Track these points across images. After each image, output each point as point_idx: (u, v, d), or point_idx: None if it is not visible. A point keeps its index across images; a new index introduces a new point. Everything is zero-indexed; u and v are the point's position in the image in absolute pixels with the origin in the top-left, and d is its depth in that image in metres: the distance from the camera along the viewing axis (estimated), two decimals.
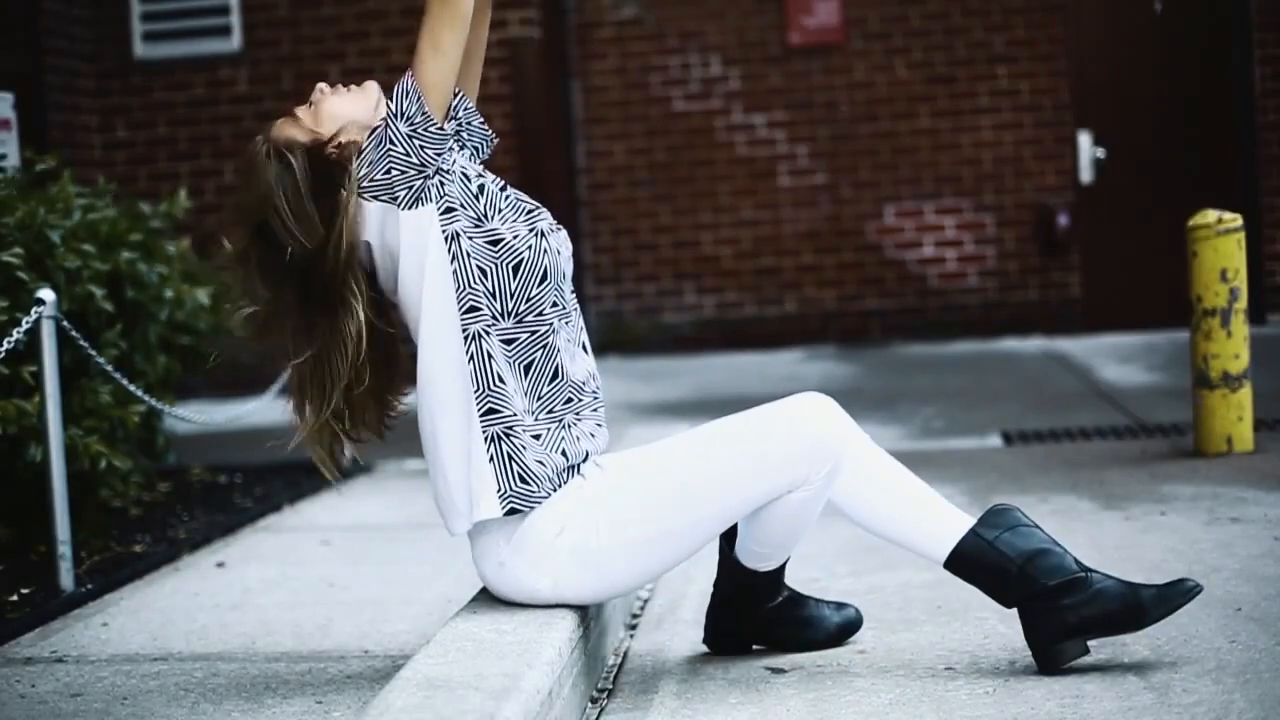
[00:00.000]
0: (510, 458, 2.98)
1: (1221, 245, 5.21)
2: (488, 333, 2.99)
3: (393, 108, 2.97)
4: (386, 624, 3.74)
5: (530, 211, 3.07)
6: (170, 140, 9.06)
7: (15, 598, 4.01)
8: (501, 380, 2.99)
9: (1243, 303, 5.25)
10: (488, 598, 3.16)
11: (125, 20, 8.96)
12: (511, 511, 2.98)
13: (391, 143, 2.95)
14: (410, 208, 2.97)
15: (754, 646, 3.31)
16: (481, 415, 2.99)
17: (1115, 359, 8.39)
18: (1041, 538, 3.02)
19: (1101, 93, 9.71)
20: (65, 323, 4.13)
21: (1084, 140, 9.70)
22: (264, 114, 8.96)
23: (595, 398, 3.14)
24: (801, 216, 9.84)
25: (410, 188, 2.97)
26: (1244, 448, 5.27)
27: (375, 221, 3.00)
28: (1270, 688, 2.84)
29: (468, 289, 2.99)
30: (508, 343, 3.01)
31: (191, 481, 5.77)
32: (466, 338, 2.99)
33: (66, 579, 4.04)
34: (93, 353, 4.31)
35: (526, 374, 3.02)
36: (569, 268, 3.12)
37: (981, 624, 3.34)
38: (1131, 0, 9.67)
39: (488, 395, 2.99)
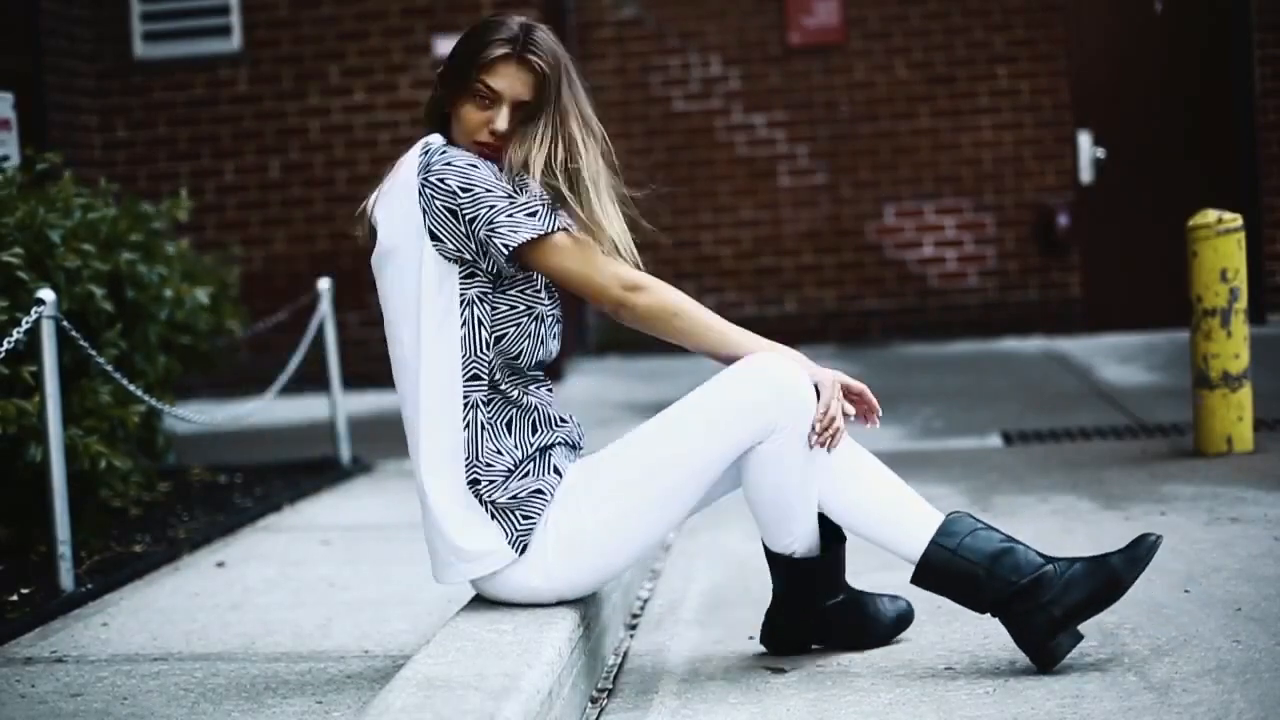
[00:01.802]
0: (508, 511, 3.01)
1: (1221, 245, 5.21)
2: (483, 402, 3.02)
3: (513, 197, 2.96)
4: (386, 624, 3.74)
5: (536, 292, 3.07)
6: (170, 140, 9.06)
7: (15, 598, 4.01)
8: (496, 451, 3.01)
9: (1243, 303, 5.25)
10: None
11: (125, 20, 8.96)
12: (525, 548, 3.01)
13: (478, 203, 2.95)
14: (460, 245, 2.98)
15: (813, 646, 3.30)
16: (470, 485, 3.03)
17: (1115, 359, 8.39)
18: (999, 538, 3.05)
19: (1101, 93, 9.72)
20: (65, 323, 4.12)
21: (1084, 140, 9.70)
22: (264, 114, 8.98)
23: (576, 430, 3.17)
24: (801, 216, 9.84)
25: (444, 241, 2.97)
26: (1244, 448, 5.27)
27: (413, 224, 3.00)
28: (1270, 688, 2.84)
29: (474, 356, 3.00)
30: (486, 404, 3.03)
31: (191, 481, 5.76)
32: (466, 406, 3.02)
33: (66, 579, 4.04)
34: (93, 353, 4.31)
35: (509, 431, 3.05)
36: (551, 354, 3.13)
37: (981, 624, 3.34)
38: (1131, 0, 9.67)
39: (474, 466, 3.02)
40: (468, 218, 2.94)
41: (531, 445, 3.05)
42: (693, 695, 3.06)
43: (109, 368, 4.44)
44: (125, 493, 5.00)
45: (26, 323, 3.94)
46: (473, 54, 3.03)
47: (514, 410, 3.05)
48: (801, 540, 3.15)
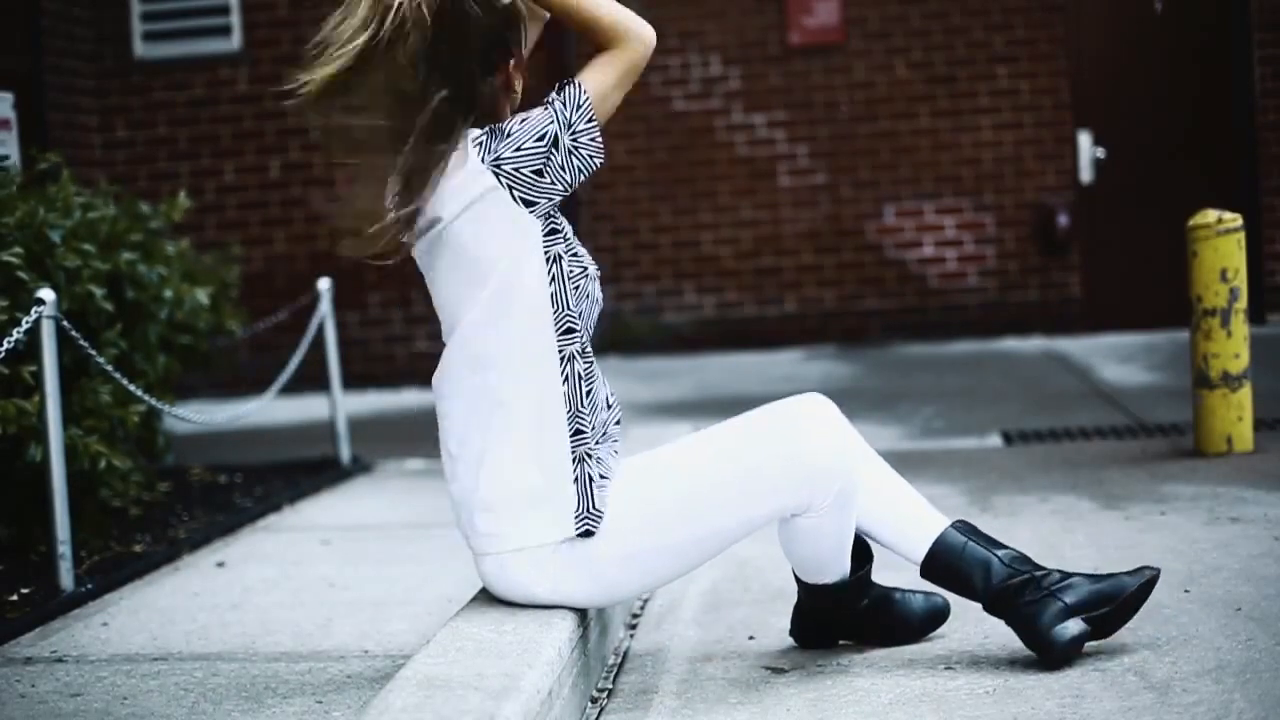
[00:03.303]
0: (590, 479, 2.98)
1: (1221, 245, 5.21)
2: (578, 355, 3.00)
3: (565, 115, 2.92)
4: (386, 624, 3.74)
5: (577, 257, 3.05)
6: (170, 140, 9.06)
7: (15, 598, 4.01)
8: (584, 401, 3.00)
9: (1243, 303, 5.25)
10: (488, 598, 3.16)
11: (125, 20, 8.97)
12: (586, 533, 2.98)
13: (553, 150, 2.91)
14: (524, 206, 2.92)
15: (841, 642, 3.33)
16: (572, 436, 2.98)
17: (1115, 359, 8.39)
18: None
19: (1101, 93, 9.72)
20: (65, 322, 4.13)
21: (1084, 140, 9.70)
22: (264, 114, 8.98)
23: (618, 424, 3.16)
24: (801, 216, 9.84)
25: (538, 202, 2.93)
26: (1244, 447, 5.27)
27: (472, 190, 2.91)
28: (1270, 688, 2.84)
29: (565, 311, 2.98)
30: (582, 355, 3.02)
31: (191, 481, 5.77)
32: (563, 359, 2.98)
33: (66, 579, 4.04)
34: (93, 352, 4.31)
35: (587, 398, 3.03)
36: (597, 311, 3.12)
37: (981, 624, 3.34)
38: (1131, 0, 9.67)
39: (577, 416, 2.99)
40: (551, 148, 2.90)
41: (604, 421, 3.04)
42: (693, 695, 3.06)
43: (109, 368, 4.44)
44: (125, 493, 5.01)
45: (26, 323, 3.94)
46: (507, 29, 3.02)
47: (595, 381, 3.04)
48: (833, 576, 3.20)
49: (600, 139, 2.96)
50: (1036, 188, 9.74)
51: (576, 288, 2.99)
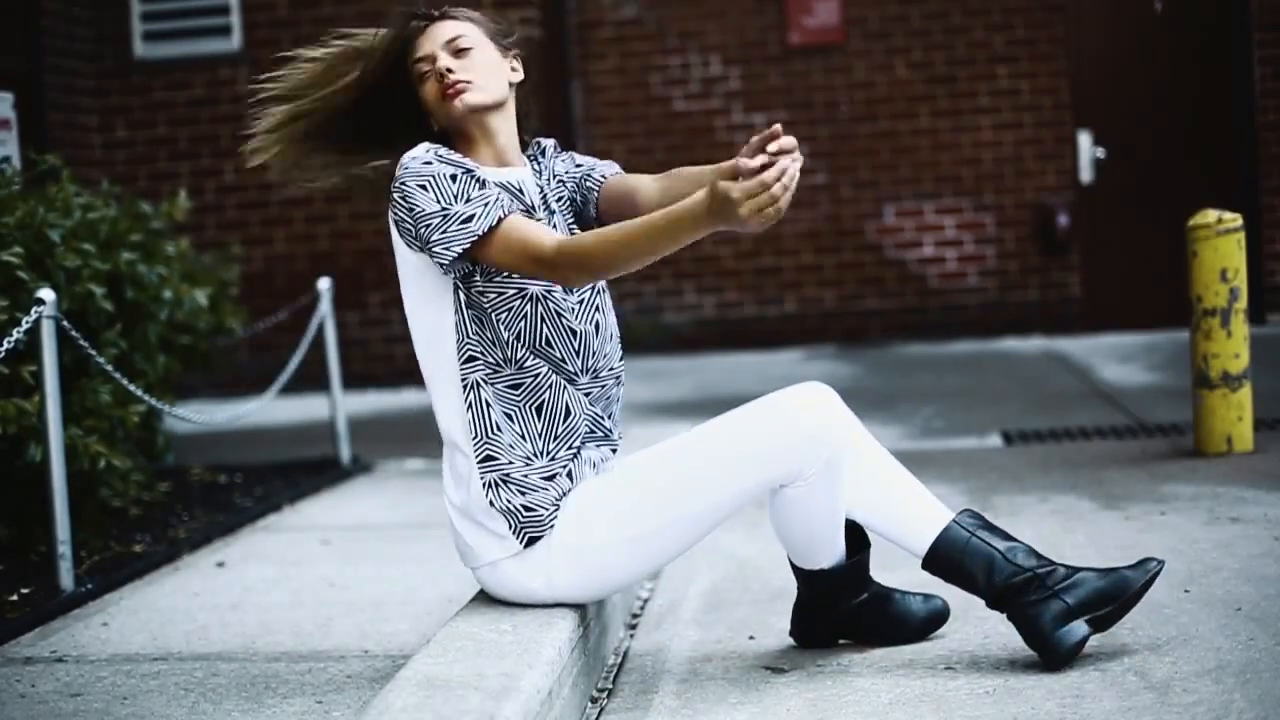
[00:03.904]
0: (509, 501, 2.99)
1: (1221, 245, 5.21)
2: (485, 382, 3.00)
3: (448, 210, 2.91)
4: (386, 624, 3.74)
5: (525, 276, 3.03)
6: (170, 140, 9.06)
7: (15, 598, 4.01)
8: (498, 428, 3.00)
9: (1243, 303, 5.25)
10: (488, 597, 3.16)
11: (125, 20, 8.97)
12: (531, 540, 3.00)
13: (419, 221, 2.94)
14: (419, 252, 3.00)
15: (840, 641, 3.32)
16: (479, 462, 3.01)
17: (1115, 359, 8.39)
18: (1012, 536, 3.12)
19: (1101, 93, 9.72)
20: (65, 322, 4.13)
21: (1084, 140, 9.70)
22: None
23: (601, 436, 3.15)
24: (801, 216, 9.84)
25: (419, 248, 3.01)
26: (1244, 448, 5.27)
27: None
28: (1270, 688, 2.84)
29: (466, 340, 3.00)
30: (514, 388, 3.01)
31: (191, 481, 5.76)
32: (465, 387, 3.01)
33: (66, 579, 4.04)
34: (93, 352, 4.31)
35: (539, 415, 3.02)
36: (583, 324, 3.08)
37: (981, 624, 3.34)
38: (1131, 0, 9.67)
39: (485, 443, 3.00)
40: (419, 235, 2.94)
41: (558, 438, 3.03)
42: (693, 695, 3.06)
43: (109, 368, 4.44)
44: (125, 493, 5.01)
45: (26, 323, 3.94)
46: (395, 54, 3.08)
47: (546, 394, 3.03)
48: (829, 559, 3.19)
49: (449, 254, 2.91)
50: (1036, 188, 9.74)
51: (510, 310, 2.98)
